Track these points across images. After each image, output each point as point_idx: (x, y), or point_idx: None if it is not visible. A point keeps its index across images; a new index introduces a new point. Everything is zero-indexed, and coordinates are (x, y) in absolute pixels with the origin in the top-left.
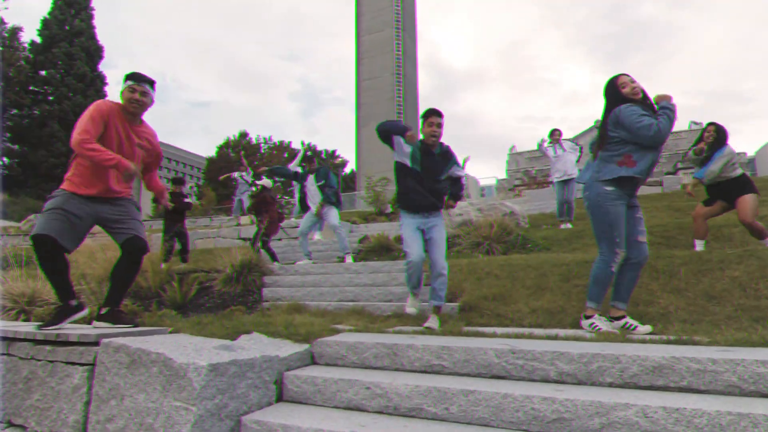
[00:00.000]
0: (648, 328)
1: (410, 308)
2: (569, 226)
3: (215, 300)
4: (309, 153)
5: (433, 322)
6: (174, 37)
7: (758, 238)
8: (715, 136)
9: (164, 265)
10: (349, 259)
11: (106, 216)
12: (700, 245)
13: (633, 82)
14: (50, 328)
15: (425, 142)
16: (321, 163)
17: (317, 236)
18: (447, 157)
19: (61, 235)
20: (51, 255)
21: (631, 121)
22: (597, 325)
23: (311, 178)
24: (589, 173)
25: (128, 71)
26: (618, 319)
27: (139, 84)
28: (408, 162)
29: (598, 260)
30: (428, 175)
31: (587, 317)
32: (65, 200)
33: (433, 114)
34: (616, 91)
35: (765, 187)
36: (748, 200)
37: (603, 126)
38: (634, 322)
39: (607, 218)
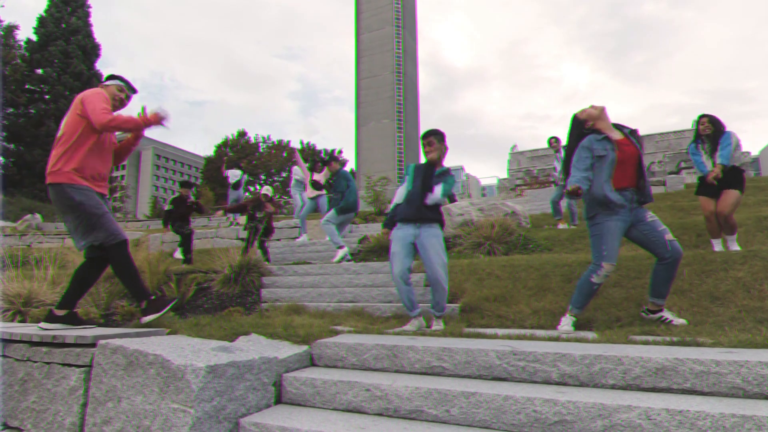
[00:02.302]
0: (683, 321)
1: (408, 326)
2: (565, 226)
3: (213, 301)
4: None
5: (437, 324)
6: (172, 35)
7: (728, 234)
8: (712, 128)
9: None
10: (340, 254)
11: None
12: (717, 245)
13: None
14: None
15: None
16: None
17: (304, 238)
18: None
19: None
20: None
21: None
22: (669, 318)
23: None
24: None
25: (121, 71)
26: (654, 312)
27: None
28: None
29: (587, 269)
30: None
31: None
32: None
33: (425, 135)
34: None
35: None
36: (732, 194)
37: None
38: (670, 316)
39: (598, 230)
